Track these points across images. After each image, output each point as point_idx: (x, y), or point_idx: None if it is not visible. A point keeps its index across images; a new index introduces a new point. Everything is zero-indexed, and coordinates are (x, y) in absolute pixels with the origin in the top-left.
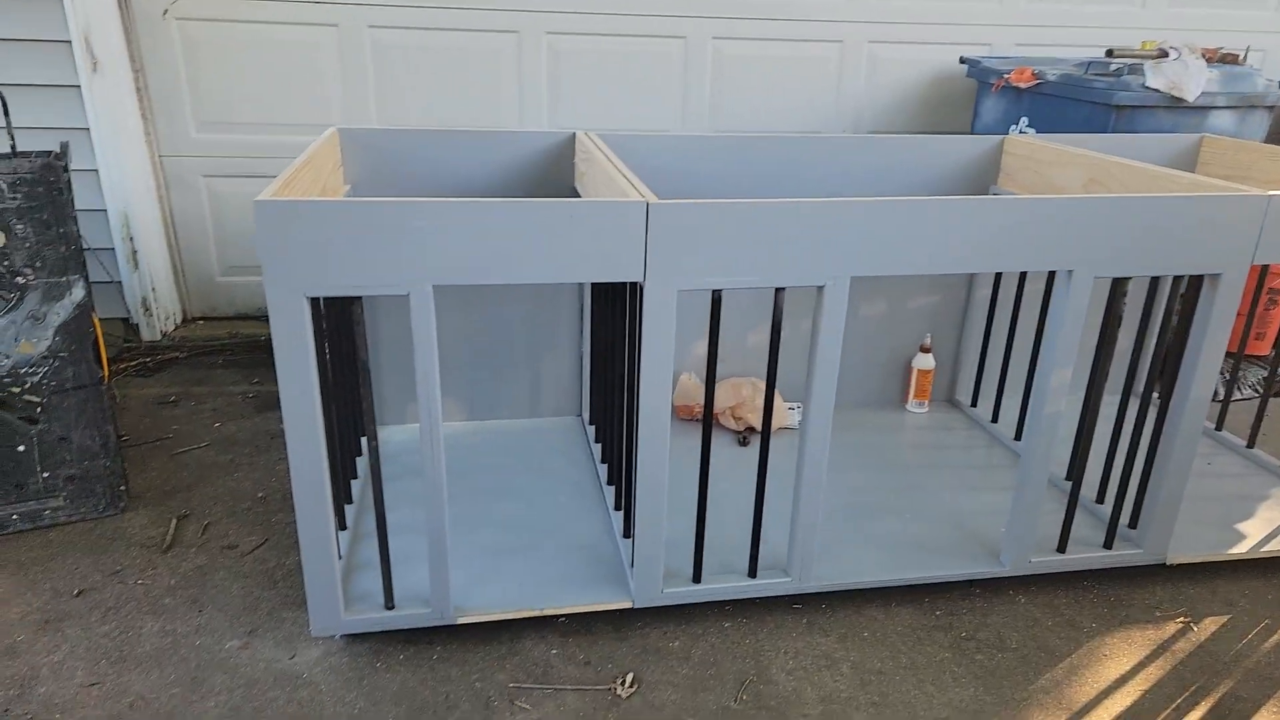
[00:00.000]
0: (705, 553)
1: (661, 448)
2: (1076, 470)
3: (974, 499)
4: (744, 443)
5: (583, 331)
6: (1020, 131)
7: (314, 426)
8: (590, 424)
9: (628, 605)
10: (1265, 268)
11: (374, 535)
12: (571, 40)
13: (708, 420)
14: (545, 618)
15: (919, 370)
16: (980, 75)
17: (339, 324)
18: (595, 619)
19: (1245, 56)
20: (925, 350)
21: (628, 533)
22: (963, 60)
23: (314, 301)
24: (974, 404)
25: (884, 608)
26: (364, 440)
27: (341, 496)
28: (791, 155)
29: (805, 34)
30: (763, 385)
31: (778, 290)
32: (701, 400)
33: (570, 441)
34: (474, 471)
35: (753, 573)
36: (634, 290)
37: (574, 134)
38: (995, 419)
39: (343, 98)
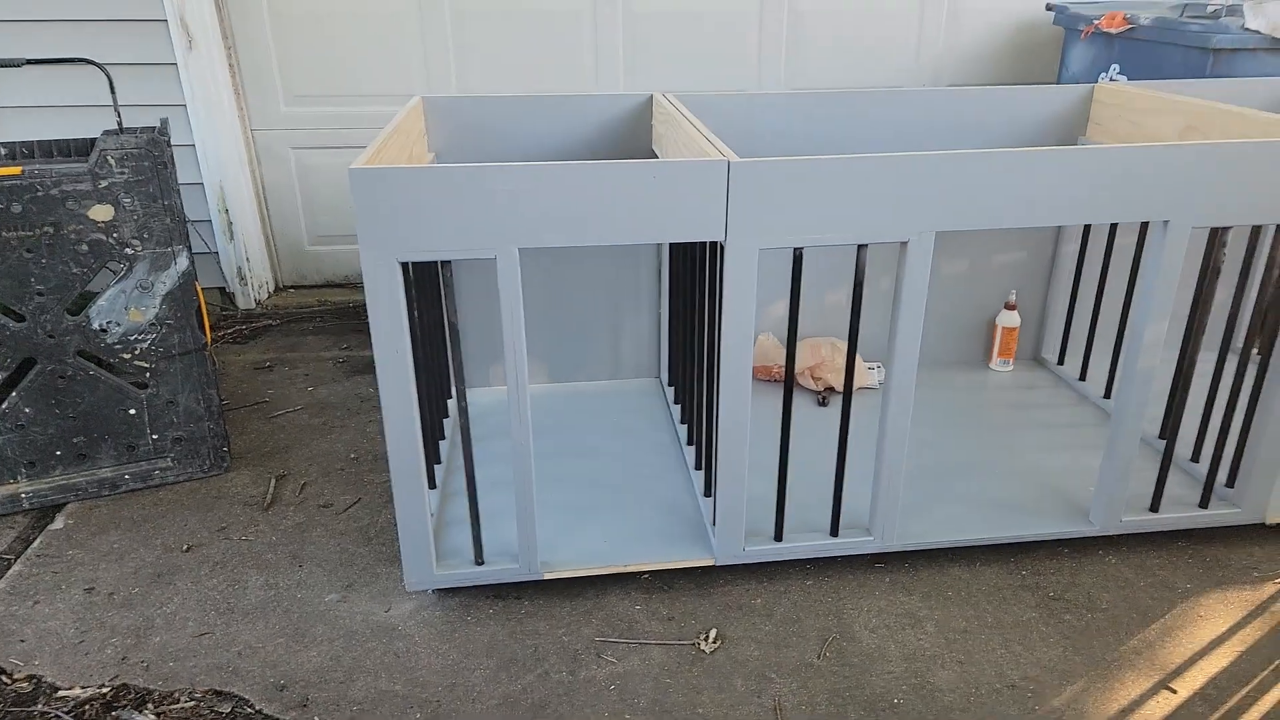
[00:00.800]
0: (786, 512)
1: (743, 407)
2: (1171, 428)
3: (1061, 458)
4: (823, 403)
5: (661, 294)
6: (1111, 79)
7: (407, 388)
8: (669, 385)
9: (710, 562)
10: None
11: (462, 494)
12: (646, 1)
13: (789, 380)
14: (629, 574)
15: (1004, 328)
16: (1068, 22)
17: (425, 289)
18: (678, 576)
19: None
20: (1010, 307)
21: (708, 492)
22: (1049, 7)
23: (404, 266)
24: (1060, 362)
25: (969, 567)
26: (451, 402)
27: (432, 457)
28: (870, 111)
29: None
30: (841, 345)
31: (860, 247)
32: (780, 361)
33: (650, 403)
34: (556, 431)
35: (835, 531)
36: (714, 250)
37: (651, 96)
38: (1083, 377)
39: (424, 66)
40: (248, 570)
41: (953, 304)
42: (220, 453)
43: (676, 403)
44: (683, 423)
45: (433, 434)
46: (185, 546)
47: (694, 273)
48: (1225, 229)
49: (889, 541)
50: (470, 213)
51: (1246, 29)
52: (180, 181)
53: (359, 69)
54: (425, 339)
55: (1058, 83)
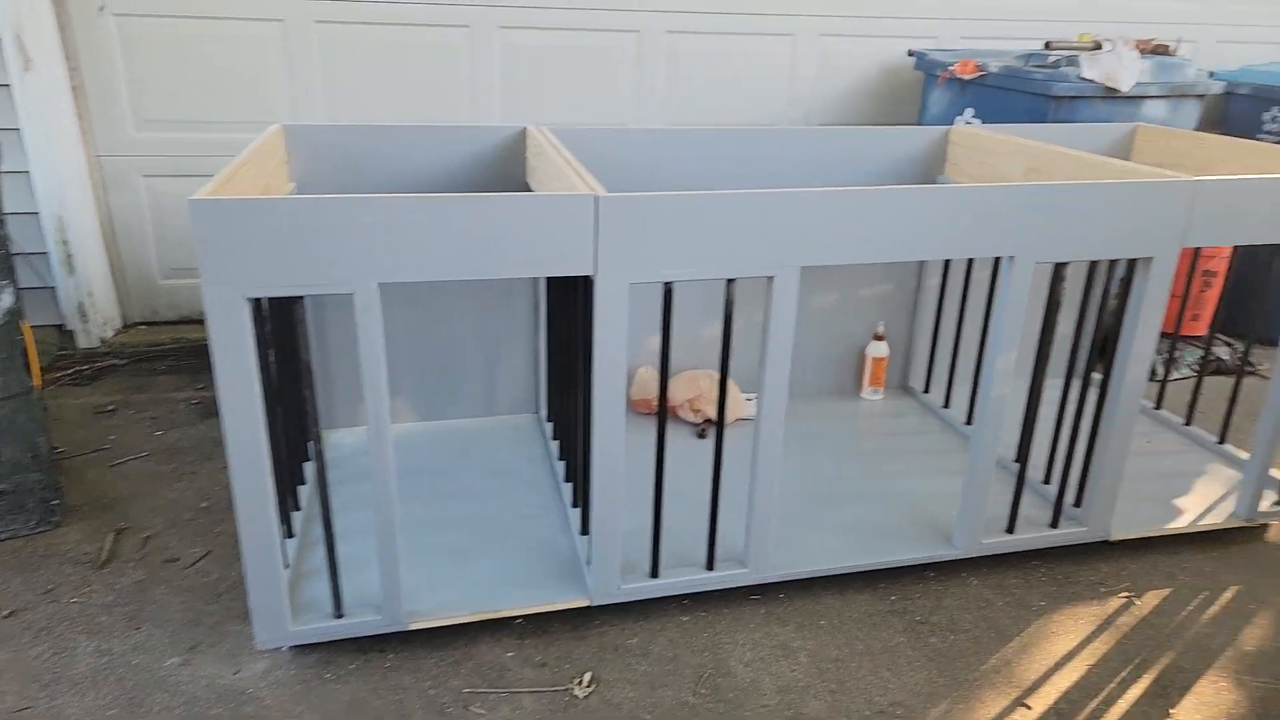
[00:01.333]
0: (663, 547)
1: (617, 442)
2: (1022, 452)
3: (927, 484)
4: (703, 435)
5: (538, 326)
6: (966, 122)
7: (255, 433)
8: (548, 421)
9: (585, 603)
10: (1197, 251)
11: (323, 542)
12: (524, 34)
13: (663, 412)
14: (501, 620)
15: (873, 358)
16: (927, 67)
17: (283, 325)
18: (552, 619)
19: (1176, 48)
20: (879, 338)
21: (585, 530)
22: (910, 53)
23: (255, 302)
24: (926, 390)
25: (840, 594)
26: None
27: (288, 503)
28: (744, 148)
29: (758, 28)
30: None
31: (729, 281)
32: (658, 394)
33: (527, 439)
34: (427, 473)
35: (710, 565)
36: (588, 283)
37: (524, 128)
38: (947, 404)
39: (290, 94)
40: (77, 635)
41: (825, 336)
42: (50, 506)
43: (555, 438)
44: (561, 459)
45: (291, 479)
46: (6, 612)
47: (570, 305)
48: (1064, 264)
49: (763, 573)
50: (323, 246)
51: (1082, 78)
52: (12, 210)
53: (220, 95)
54: (285, 375)
55: (919, 124)
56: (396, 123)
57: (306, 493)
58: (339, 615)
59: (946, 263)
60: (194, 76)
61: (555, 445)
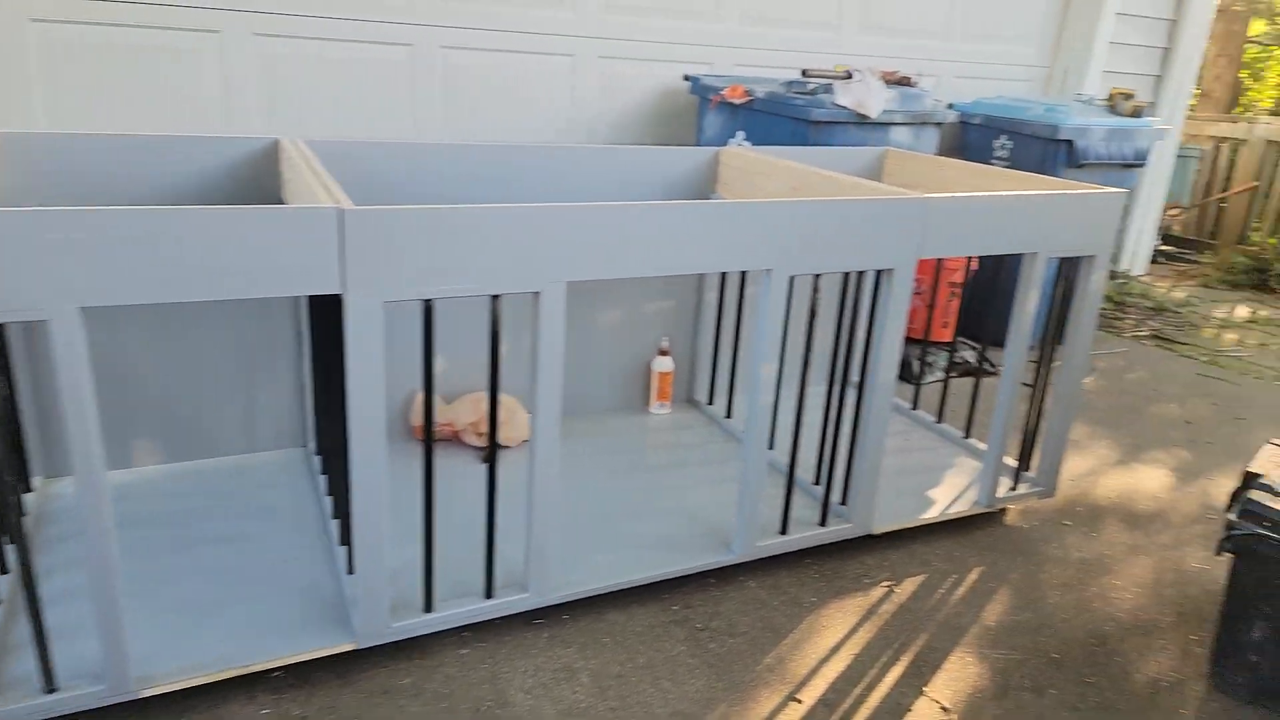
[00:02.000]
0: (439, 579)
1: (378, 472)
2: (790, 456)
3: (709, 493)
4: (488, 459)
5: (303, 352)
6: (738, 144)
7: None
8: (316, 454)
9: (352, 646)
10: (939, 264)
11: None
12: (285, 43)
13: (429, 438)
14: (256, 674)
15: (659, 373)
16: (701, 92)
17: None
18: (316, 668)
19: (918, 80)
20: (663, 353)
21: (353, 568)
22: (686, 78)
23: None
24: (710, 402)
25: (625, 610)
26: (31, 495)
27: None
28: (522, 164)
29: (538, 46)
30: (509, 401)
31: (494, 298)
32: (446, 419)
33: (294, 475)
34: (176, 519)
35: (489, 593)
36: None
37: (277, 140)
38: (729, 415)
39: (3, 100)
40: None
41: (611, 351)
42: None
43: (323, 473)
44: (329, 494)
45: None
46: None
47: (330, 327)
48: (818, 276)
49: (545, 595)
50: (9, 266)
51: (837, 104)
52: None
53: None
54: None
55: (697, 144)
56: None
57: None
58: (51, 689)
59: (723, 277)
60: None
61: (323, 480)
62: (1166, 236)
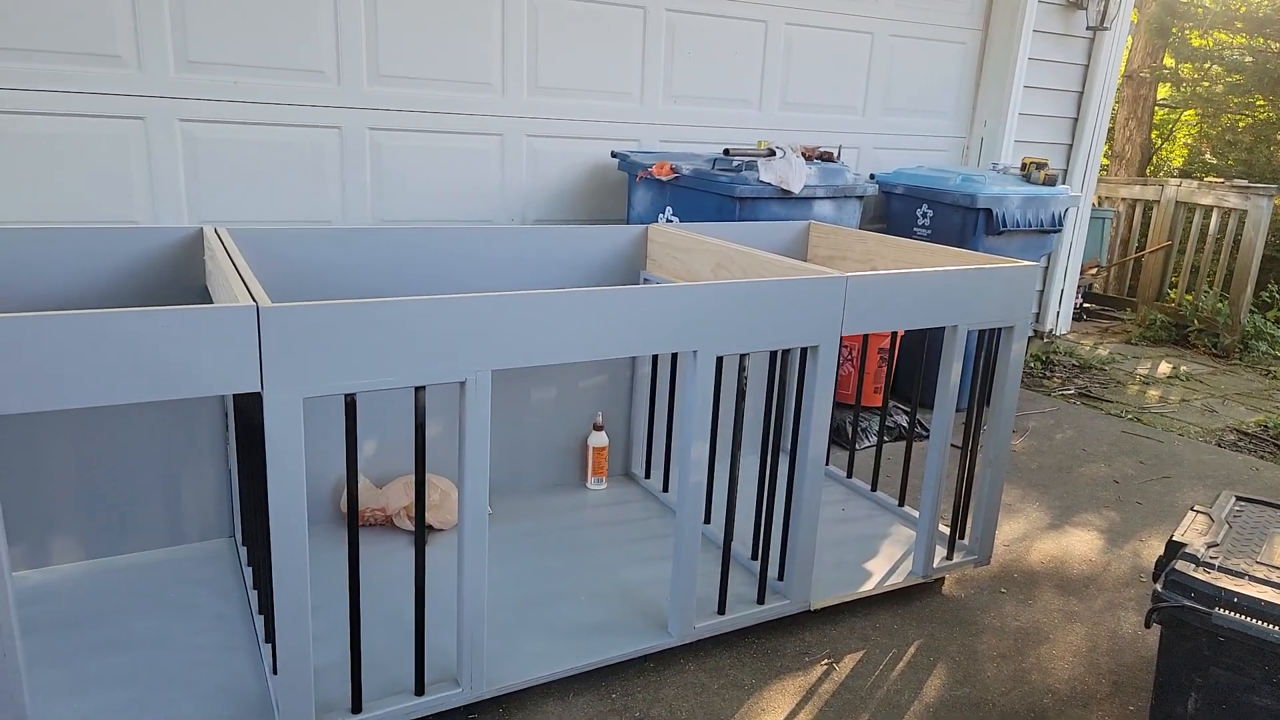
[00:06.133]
0: (368, 674)
1: (298, 566)
2: (725, 532)
3: (646, 570)
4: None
5: (228, 440)
6: (667, 220)
7: None
8: (242, 545)
9: None
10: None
11: None
12: (210, 128)
13: (353, 527)
14: None
15: (594, 448)
16: (629, 168)
17: None
18: None
19: (839, 154)
20: (598, 428)
21: (276, 668)
22: (614, 154)
23: None
24: (647, 476)
25: (563, 700)
26: None
27: None
28: (451, 246)
29: (467, 127)
30: (442, 483)
31: (418, 390)
32: (376, 504)
33: (219, 569)
34: (95, 620)
35: (420, 690)
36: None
37: (201, 229)
38: (666, 488)
39: None
40: None
41: (546, 428)
42: None
43: (249, 565)
44: (255, 588)
45: None
46: None
47: (254, 420)
48: (747, 354)
49: (478, 690)
50: None
51: (760, 180)
52: None
53: None
54: None
55: (627, 220)
56: (63, 224)
57: None
58: None
59: None
60: None
61: (249, 573)
62: (1088, 294)
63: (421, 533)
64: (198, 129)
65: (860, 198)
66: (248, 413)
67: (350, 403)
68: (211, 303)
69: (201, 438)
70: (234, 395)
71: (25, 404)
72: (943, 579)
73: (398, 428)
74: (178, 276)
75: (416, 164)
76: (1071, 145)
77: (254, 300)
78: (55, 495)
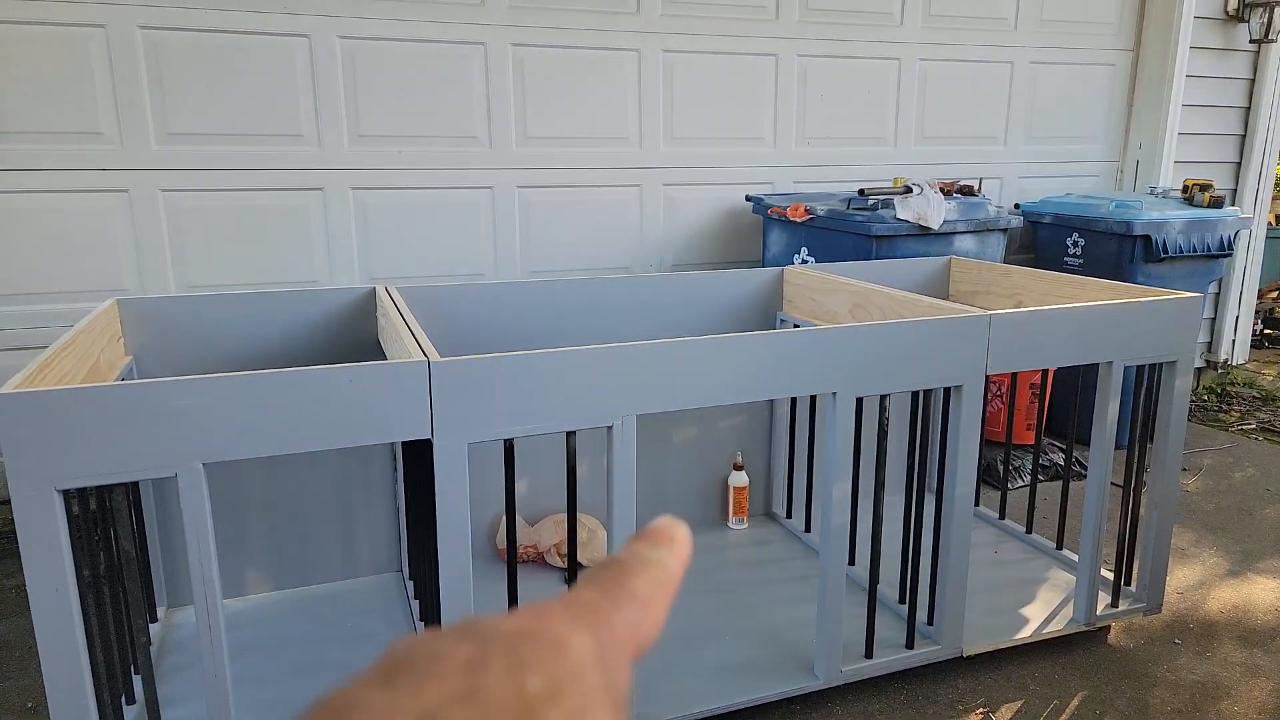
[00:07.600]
0: None
1: (463, 600)
2: (871, 574)
3: (790, 612)
4: (568, 581)
5: (397, 481)
6: (802, 260)
7: (69, 632)
8: (409, 579)
9: None
10: None
11: None
12: (378, 195)
13: (512, 564)
14: None
15: (735, 488)
16: (763, 211)
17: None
18: None
19: (980, 186)
20: (738, 468)
21: None
22: (748, 198)
23: (67, 493)
24: (789, 515)
25: None
26: (156, 625)
27: (120, 699)
28: (596, 295)
29: (607, 180)
30: (590, 522)
31: (569, 434)
32: (531, 541)
33: (390, 600)
34: (283, 646)
35: None
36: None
37: (374, 289)
38: (808, 529)
39: (137, 263)
40: None
41: (687, 468)
42: None
43: (416, 598)
44: (421, 619)
45: (124, 669)
46: None
47: (420, 460)
48: (887, 395)
49: None
50: (141, 431)
51: (898, 219)
52: None
53: (62, 267)
54: (119, 556)
55: (762, 261)
56: (251, 287)
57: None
58: None
59: None
60: (33, 249)
61: (416, 605)
62: (1268, 319)
63: (574, 569)
64: (368, 195)
65: (1004, 230)
66: (415, 460)
67: (508, 447)
68: (383, 356)
69: (374, 480)
70: (403, 445)
71: (238, 452)
72: (1108, 627)
73: (546, 469)
74: (353, 331)
75: (561, 216)
76: (1240, 164)
77: (425, 355)
78: (250, 532)
